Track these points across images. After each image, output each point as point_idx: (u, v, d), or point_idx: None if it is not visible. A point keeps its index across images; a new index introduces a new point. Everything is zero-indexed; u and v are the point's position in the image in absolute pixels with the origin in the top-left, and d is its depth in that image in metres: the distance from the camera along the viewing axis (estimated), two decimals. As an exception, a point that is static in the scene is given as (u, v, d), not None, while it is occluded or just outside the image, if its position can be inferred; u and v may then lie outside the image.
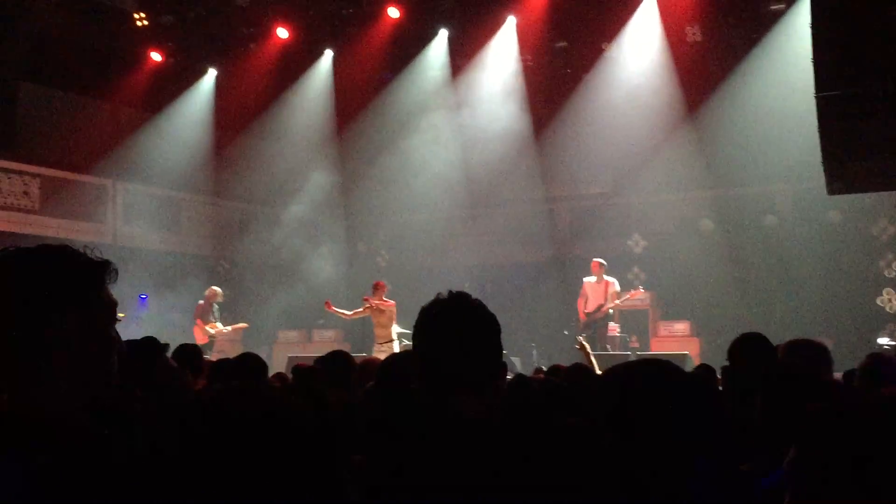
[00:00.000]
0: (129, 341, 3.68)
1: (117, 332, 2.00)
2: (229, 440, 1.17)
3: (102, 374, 1.96)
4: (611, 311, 15.69)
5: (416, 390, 2.29)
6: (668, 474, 2.15)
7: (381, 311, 14.83)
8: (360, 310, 15.42)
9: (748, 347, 5.08)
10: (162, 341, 7.04)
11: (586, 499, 2.14)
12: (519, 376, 4.26)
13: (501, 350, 2.33)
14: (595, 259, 15.90)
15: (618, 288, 15.75)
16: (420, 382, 2.29)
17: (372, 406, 3.87)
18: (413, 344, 2.35)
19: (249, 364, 5.35)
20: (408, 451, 2.29)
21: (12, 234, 16.97)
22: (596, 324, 15.51)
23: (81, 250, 1.98)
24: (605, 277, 15.70)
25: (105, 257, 2.03)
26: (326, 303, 15.88)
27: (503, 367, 2.32)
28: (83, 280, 1.95)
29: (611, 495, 2.16)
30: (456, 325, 2.29)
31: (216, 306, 16.57)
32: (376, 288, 15.16)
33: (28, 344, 1.88)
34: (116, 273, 2.00)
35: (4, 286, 1.91)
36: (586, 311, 15.63)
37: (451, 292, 2.34)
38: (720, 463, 2.22)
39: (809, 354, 4.62)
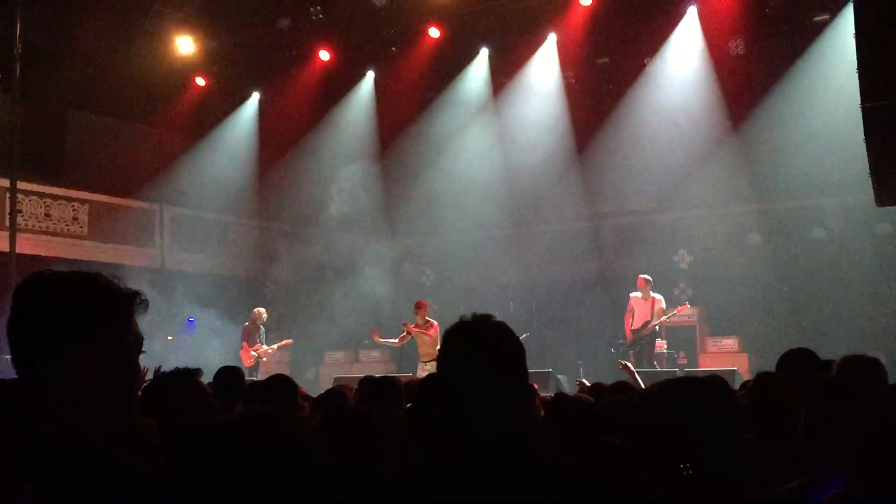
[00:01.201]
0: (160, 374, 3.69)
1: (139, 365, 1.99)
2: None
3: (126, 401, 1.94)
4: (657, 327, 15.54)
5: (435, 410, 2.28)
6: None
7: (424, 334, 14.72)
8: (404, 334, 15.29)
9: (795, 362, 5.00)
10: (210, 364, 7.06)
11: None
12: (557, 395, 4.21)
13: (523, 372, 2.28)
14: (641, 275, 15.73)
15: (664, 304, 15.58)
16: (441, 402, 2.27)
17: (405, 425, 3.85)
18: (437, 365, 2.33)
19: (276, 386, 5.39)
20: (417, 469, 2.30)
21: (63, 259, 17.18)
22: (643, 340, 15.35)
23: (112, 279, 1.96)
24: (652, 294, 15.52)
25: (145, 282, 2.04)
26: (372, 332, 15.83)
27: (525, 389, 2.27)
28: (114, 309, 1.93)
29: None
30: (471, 347, 2.25)
31: (262, 328, 16.58)
32: (418, 307, 15.05)
33: (56, 368, 1.86)
34: (147, 304, 1.98)
35: (36, 310, 1.90)
36: (633, 327, 15.48)
37: (474, 314, 2.31)
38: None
39: (862, 369, 4.54)
